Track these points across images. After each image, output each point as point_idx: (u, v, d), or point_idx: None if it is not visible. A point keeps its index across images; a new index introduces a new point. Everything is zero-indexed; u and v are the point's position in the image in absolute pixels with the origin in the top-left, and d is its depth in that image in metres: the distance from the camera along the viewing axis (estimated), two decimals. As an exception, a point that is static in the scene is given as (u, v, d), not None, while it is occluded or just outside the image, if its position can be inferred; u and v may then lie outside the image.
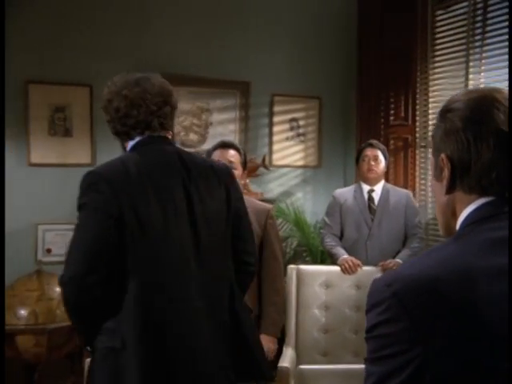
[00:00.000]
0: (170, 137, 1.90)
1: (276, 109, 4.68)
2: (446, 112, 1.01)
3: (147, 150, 1.83)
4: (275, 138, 4.71)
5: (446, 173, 0.99)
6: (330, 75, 4.72)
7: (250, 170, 4.47)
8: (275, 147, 4.71)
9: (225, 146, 2.69)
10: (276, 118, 4.69)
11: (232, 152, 2.68)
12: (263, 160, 4.51)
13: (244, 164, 2.73)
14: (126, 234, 1.69)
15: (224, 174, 1.93)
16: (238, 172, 2.66)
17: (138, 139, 1.85)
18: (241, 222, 1.96)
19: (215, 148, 2.69)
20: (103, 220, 1.67)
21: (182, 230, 1.77)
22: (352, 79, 4.62)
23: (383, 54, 4.31)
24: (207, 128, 4.50)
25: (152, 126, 1.82)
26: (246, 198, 2.82)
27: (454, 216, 1.01)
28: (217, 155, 2.66)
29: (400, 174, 4.23)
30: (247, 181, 4.46)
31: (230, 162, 2.64)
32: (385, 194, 3.51)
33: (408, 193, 3.65)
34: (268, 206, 2.76)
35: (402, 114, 4.22)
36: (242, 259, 1.99)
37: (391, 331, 0.87)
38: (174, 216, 1.76)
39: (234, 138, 4.56)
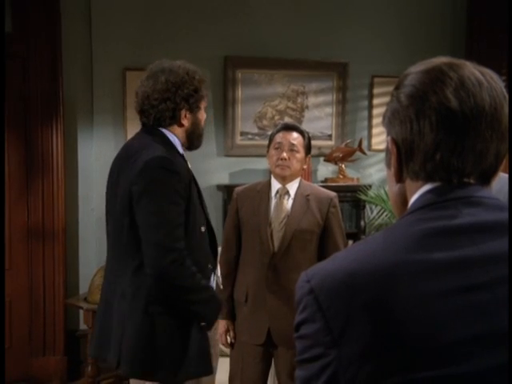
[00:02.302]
0: (165, 131, 1.99)
1: (376, 91, 4.47)
2: (395, 89, 0.90)
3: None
4: (375, 121, 4.50)
5: (393, 158, 0.88)
6: (436, 54, 4.34)
7: (346, 154, 4.32)
8: (375, 131, 4.51)
9: (287, 128, 2.60)
10: (376, 101, 4.49)
11: (295, 135, 2.57)
12: (360, 144, 4.33)
13: (308, 148, 2.61)
14: None
15: (138, 163, 1.89)
16: (299, 155, 2.56)
17: None
18: (137, 215, 1.90)
19: (278, 130, 2.61)
20: None
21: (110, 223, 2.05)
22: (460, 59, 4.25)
23: (494, 31, 3.92)
24: (303, 111, 4.41)
25: (149, 118, 1.98)
26: (308, 184, 2.73)
27: (405, 207, 0.89)
28: (279, 137, 2.57)
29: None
30: (343, 165, 4.32)
31: (292, 144, 2.55)
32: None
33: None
34: (331, 193, 2.62)
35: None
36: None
37: (309, 332, 0.78)
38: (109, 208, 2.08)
39: (330, 121, 4.44)
